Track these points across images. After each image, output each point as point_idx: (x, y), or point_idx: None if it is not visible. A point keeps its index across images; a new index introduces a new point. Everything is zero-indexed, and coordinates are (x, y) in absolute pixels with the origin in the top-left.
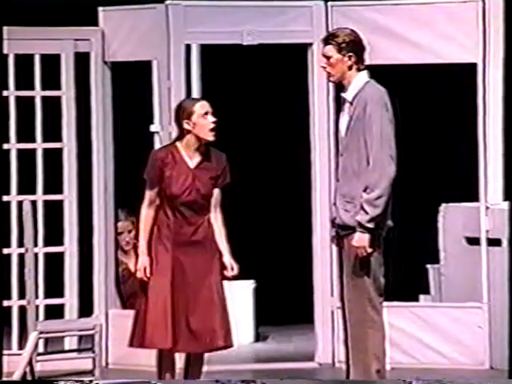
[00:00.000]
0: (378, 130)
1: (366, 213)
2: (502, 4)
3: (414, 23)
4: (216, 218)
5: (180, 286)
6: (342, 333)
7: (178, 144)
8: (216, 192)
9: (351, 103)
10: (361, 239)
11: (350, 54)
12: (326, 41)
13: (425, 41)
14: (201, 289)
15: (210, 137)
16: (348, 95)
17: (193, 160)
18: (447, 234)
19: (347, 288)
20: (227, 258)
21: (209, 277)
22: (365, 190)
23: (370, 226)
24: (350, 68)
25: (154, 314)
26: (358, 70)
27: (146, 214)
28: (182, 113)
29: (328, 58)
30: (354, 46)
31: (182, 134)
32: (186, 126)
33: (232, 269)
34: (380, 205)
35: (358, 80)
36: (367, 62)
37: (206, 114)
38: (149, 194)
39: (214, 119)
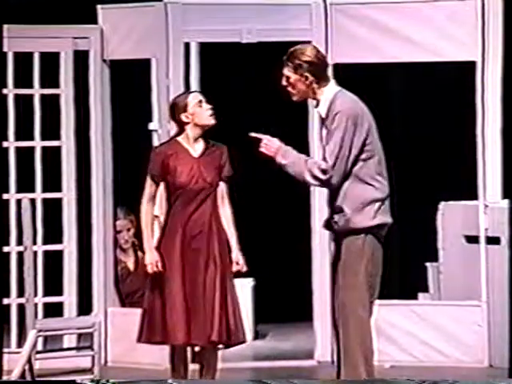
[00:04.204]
0: (337, 142)
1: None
2: (500, 2)
3: (413, 21)
4: (225, 211)
5: (192, 279)
6: (333, 331)
7: (178, 138)
8: (222, 185)
9: (326, 118)
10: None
11: (307, 74)
12: (285, 61)
13: (424, 39)
14: (211, 282)
15: (211, 121)
16: (321, 111)
17: (196, 150)
18: (446, 232)
19: (340, 287)
20: (234, 253)
21: (218, 269)
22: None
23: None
24: (308, 86)
25: (173, 310)
26: (320, 87)
27: (147, 209)
28: (177, 108)
29: (287, 78)
30: (311, 67)
31: (182, 128)
32: (184, 119)
33: (237, 263)
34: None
35: (326, 95)
36: (368, 60)
37: (201, 102)
38: (150, 189)
39: (209, 106)
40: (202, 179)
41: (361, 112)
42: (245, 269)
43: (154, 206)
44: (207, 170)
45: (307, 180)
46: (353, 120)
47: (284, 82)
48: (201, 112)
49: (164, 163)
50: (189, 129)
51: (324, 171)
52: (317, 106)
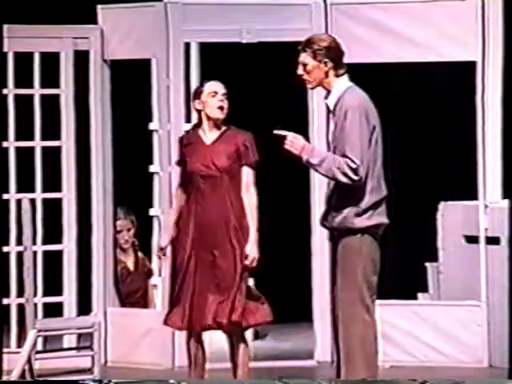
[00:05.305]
0: (356, 141)
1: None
2: (501, 2)
3: (413, 21)
4: (248, 198)
5: (200, 265)
6: (332, 331)
7: (198, 127)
8: (245, 171)
9: (334, 111)
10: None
11: (326, 59)
12: (302, 48)
13: (424, 39)
14: (222, 272)
15: (218, 114)
16: (330, 102)
17: (209, 137)
18: (446, 232)
19: (339, 287)
20: (249, 246)
21: (232, 256)
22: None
23: (313, 161)
24: (326, 74)
25: (188, 295)
26: (337, 75)
27: (176, 193)
28: (194, 94)
29: (304, 65)
30: (330, 52)
31: (199, 115)
32: (197, 105)
33: (247, 258)
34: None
35: (338, 86)
36: (368, 60)
37: (215, 93)
38: (180, 176)
39: (221, 98)
40: (212, 165)
41: (369, 109)
42: (254, 264)
43: (183, 192)
44: (219, 156)
45: (337, 178)
46: (365, 116)
47: (300, 71)
48: (211, 103)
49: (181, 152)
50: (203, 117)
51: (354, 170)
52: (326, 97)
